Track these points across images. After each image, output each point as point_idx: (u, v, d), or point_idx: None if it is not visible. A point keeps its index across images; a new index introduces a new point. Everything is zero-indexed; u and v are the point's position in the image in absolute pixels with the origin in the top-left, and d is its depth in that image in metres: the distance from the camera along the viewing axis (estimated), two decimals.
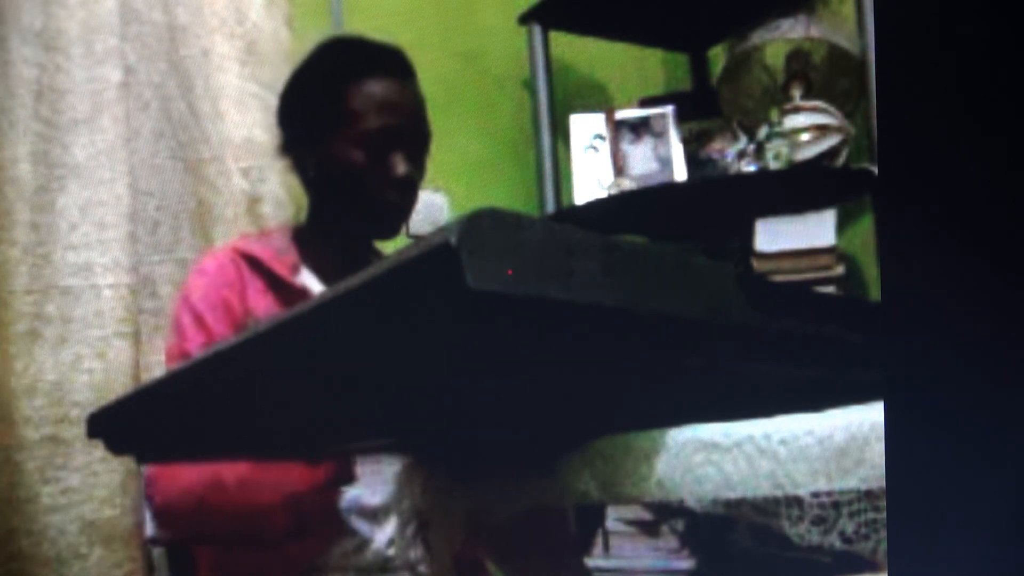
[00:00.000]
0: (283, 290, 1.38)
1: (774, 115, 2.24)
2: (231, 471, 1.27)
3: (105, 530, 1.67)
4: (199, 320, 1.35)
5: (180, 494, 1.29)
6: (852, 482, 0.67)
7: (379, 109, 1.38)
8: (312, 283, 1.43)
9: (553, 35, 2.40)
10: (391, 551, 1.35)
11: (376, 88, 1.38)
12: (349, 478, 1.30)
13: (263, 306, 1.37)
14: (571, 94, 2.52)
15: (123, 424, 0.89)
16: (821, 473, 0.68)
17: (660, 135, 2.30)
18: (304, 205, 1.52)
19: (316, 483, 1.31)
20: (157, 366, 1.74)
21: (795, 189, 2.19)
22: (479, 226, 0.45)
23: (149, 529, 1.42)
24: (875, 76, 0.45)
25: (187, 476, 1.28)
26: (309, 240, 1.47)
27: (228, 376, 0.71)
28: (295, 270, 1.43)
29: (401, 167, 1.37)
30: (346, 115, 1.38)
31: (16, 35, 1.75)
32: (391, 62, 1.42)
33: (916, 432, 0.46)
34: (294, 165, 1.46)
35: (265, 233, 1.62)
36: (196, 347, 1.32)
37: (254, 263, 1.40)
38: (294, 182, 1.87)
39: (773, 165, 2.13)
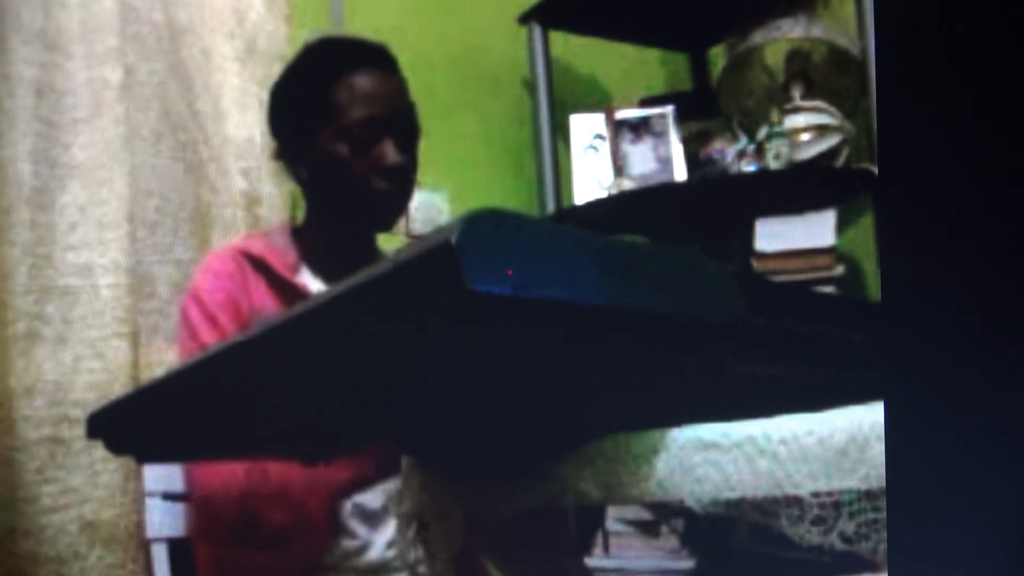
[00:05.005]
0: (284, 289, 1.39)
1: (774, 115, 2.24)
2: (274, 465, 1.27)
3: (105, 530, 1.67)
4: (211, 318, 1.35)
5: (222, 486, 1.29)
6: (852, 482, 0.67)
7: (363, 100, 1.38)
8: (311, 282, 1.43)
9: (553, 35, 2.40)
10: (391, 552, 1.35)
11: (360, 81, 1.39)
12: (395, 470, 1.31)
13: (266, 305, 1.37)
14: (571, 94, 2.52)
15: (123, 424, 0.89)
16: (821, 473, 0.68)
17: (660, 135, 2.30)
18: (301, 206, 1.52)
19: (364, 477, 1.32)
20: (157, 366, 1.74)
21: (795, 189, 2.19)
22: (479, 226, 0.45)
23: (150, 529, 1.41)
24: (875, 76, 0.45)
25: (228, 468, 1.28)
26: (308, 239, 1.47)
27: (228, 376, 0.71)
28: (295, 269, 1.43)
29: (390, 156, 1.37)
30: (331, 111, 1.38)
31: (16, 35, 1.75)
32: (374, 56, 1.42)
33: (916, 432, 0.46)
34: (288, 169, 1.46)
35: (266, 233, 1.62)
36: (210, 343, 1.32)
37: (256, 262, 1.41)
38: (291, 183, 1.87)
39: (773, 165, 2.13)
